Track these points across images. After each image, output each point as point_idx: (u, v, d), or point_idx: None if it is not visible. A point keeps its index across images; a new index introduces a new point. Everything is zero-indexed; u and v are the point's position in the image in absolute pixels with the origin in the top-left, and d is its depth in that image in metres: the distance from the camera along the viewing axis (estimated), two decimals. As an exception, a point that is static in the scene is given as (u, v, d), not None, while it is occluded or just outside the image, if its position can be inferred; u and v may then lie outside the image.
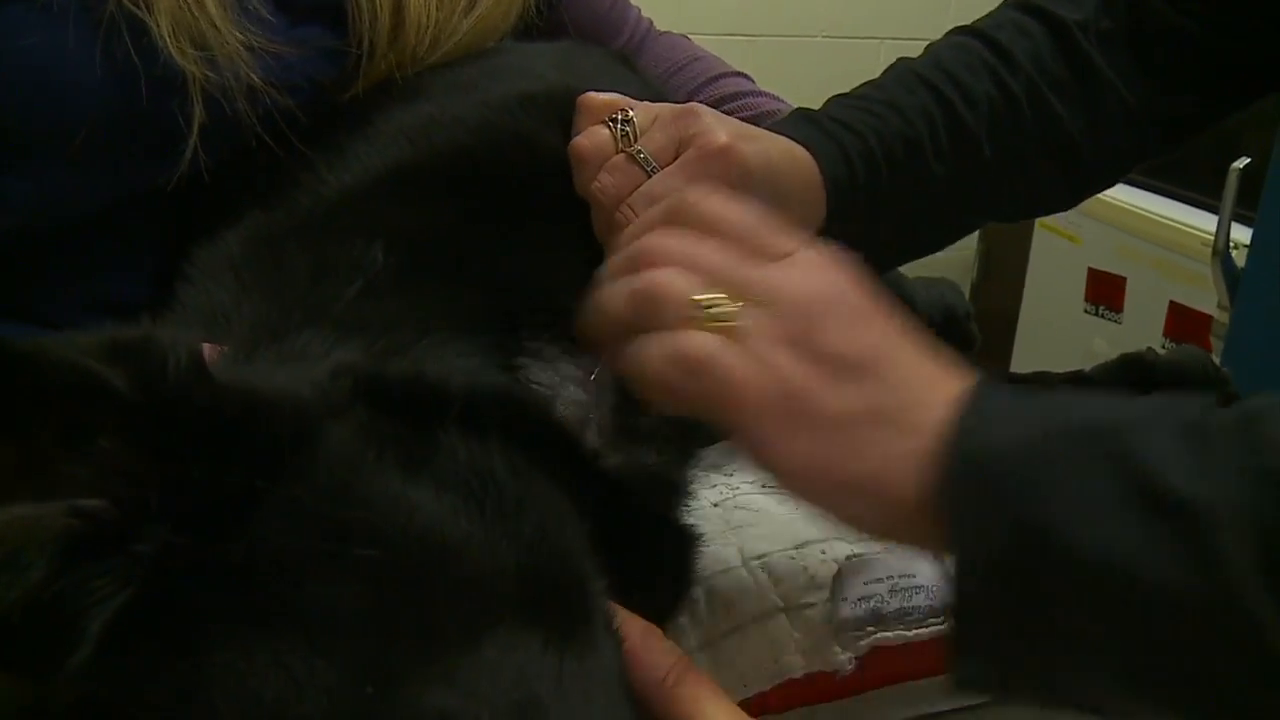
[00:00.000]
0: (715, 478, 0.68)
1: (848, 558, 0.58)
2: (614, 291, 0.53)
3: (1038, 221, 2.34)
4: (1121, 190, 2.15)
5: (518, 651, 0.40)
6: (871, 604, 0.57)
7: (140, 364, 0.38)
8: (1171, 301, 2.07)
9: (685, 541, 0.59)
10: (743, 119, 0.71)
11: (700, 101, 0.95)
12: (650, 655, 0.47)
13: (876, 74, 0.78)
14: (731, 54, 1.04)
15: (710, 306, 0.49)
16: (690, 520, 0.61)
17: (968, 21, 0.81)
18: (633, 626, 0.49)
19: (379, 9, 0.68)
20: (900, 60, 0.79)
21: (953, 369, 0.48)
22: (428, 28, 0.71)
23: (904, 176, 0.71)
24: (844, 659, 0.55)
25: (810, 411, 0.46)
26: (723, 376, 0.47)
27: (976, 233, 2.43)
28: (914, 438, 0.45)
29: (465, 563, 0.42)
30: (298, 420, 0.43)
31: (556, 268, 0.63)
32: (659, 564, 0.54)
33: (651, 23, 1.03)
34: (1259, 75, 0.79)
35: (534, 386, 0.57)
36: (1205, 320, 1.83)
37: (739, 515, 0.63)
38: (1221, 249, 1.52)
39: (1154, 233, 2.08)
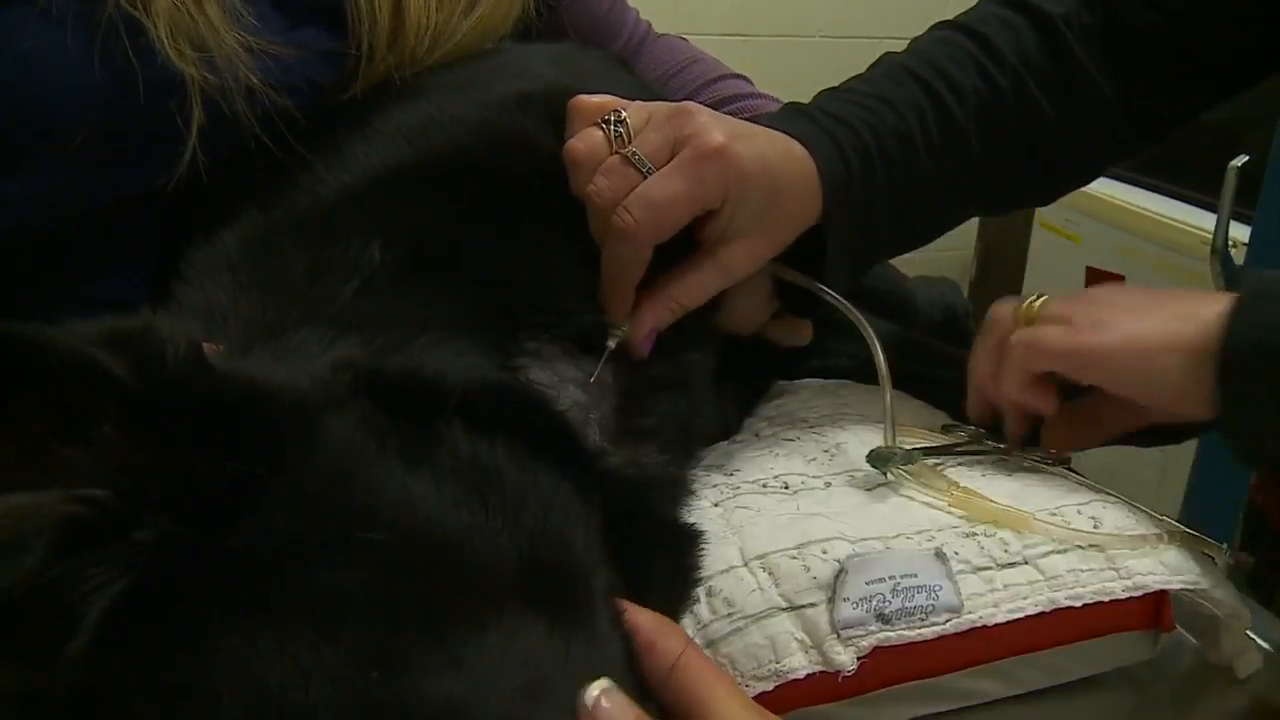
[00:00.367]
0: (716, 477, 0.68)
1: (849, 557, 0.58)
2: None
3: (1037, 220, 2.34)
4: (1120, 189, 2.15)
5: (522, 637, 0.40)
6: (873, 603, 0.56)
7: (140, 352, 0.38)
8: (1171, 299, 2.06)
9: (687, 541, 0.59)
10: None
11: (700, 103, 0.95)
12: (661, 641, 0.47)
13: (874, 74, 0.78)
14: (728, 54, 1.04)
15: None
16: (691, 520, 0.61)
17: (967, 21, 0.81)
18: (642, 615, 0.48)
19: (378, 11, 0.68)
20: (887, 54, 0.79)
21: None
22: (427, 29, 0.71)
23: (897, 170, 0.72)
24: (846, 659, 0.55)
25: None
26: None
27: (975, 232, 2.43)
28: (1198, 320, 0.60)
29: (468, 551, 0.42)
30: (298, 410, 0.43)
31: (555, 268, 0.63)
32: (661, 564, 0.54)
33: (650, 25, 1.03)
34: (1233, 71, 0.79)
35: (533, 385, 0.57)
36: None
37: (740, 515, 0.63)
38: (1220, 247, 1.52)
39: (1153, 231, 2.08)
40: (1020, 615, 0.58)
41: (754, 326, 0.77)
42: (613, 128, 0.63)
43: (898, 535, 0.60)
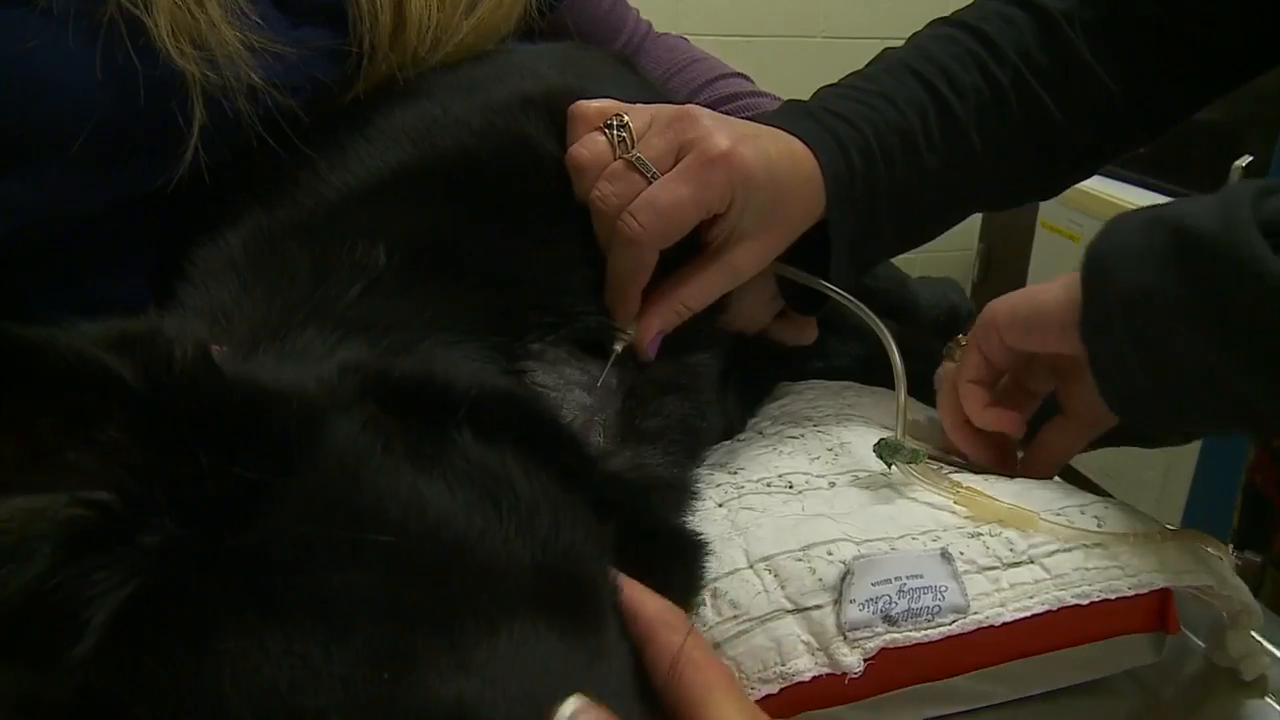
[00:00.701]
0: (720, 476, 0.68)
1: (855, 559, 0.57)
2: None
3: (1039, 220, 2.34)
4: (1123, 189, 2.14)
5: (533, 643, 0.40)
6: (880, 605, 0.56)
7: (147, 355, 0.37)
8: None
9: (691, 546, 0.58)
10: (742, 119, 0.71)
11: (700, 102, 0.95)
12: (663, 633, 0.47)
13: (876, 75, 0.78)
14: (729, 54, 1.04)
15: None
16: (695, 524, 0.61)
17: (969, 21, 0.80)
18: (649, 604, 0.48)
19: (380, 9, 0.68)
20: (886, 50, 0.79)
21: None
22: (429, 28, 0.71)
23: (899, 167, 0.71)
24: (852, 661, 0.55)
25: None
26: None
27: (977, 232, 2.43)
28: None
29: (480, 554, 0.42)
30: (305, 413, 0.42)
31: (560, 270, 0.63)
32: (663, 568, 0.54)
33: (650, 25, 1.03)
34: (1236, 63, 0.79)
35: (538, 389, 0.57)
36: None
37: (744, 516, 0.62)
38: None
39: (1155, 231, 2.07)
40: (1027, 614, 0.58)
41: (759, 326, 0.77)
42: (615, 132, 0.63)
43: (903, 536, 0.60)
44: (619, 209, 0.62)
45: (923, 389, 0.79)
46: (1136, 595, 0.60)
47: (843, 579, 0.57)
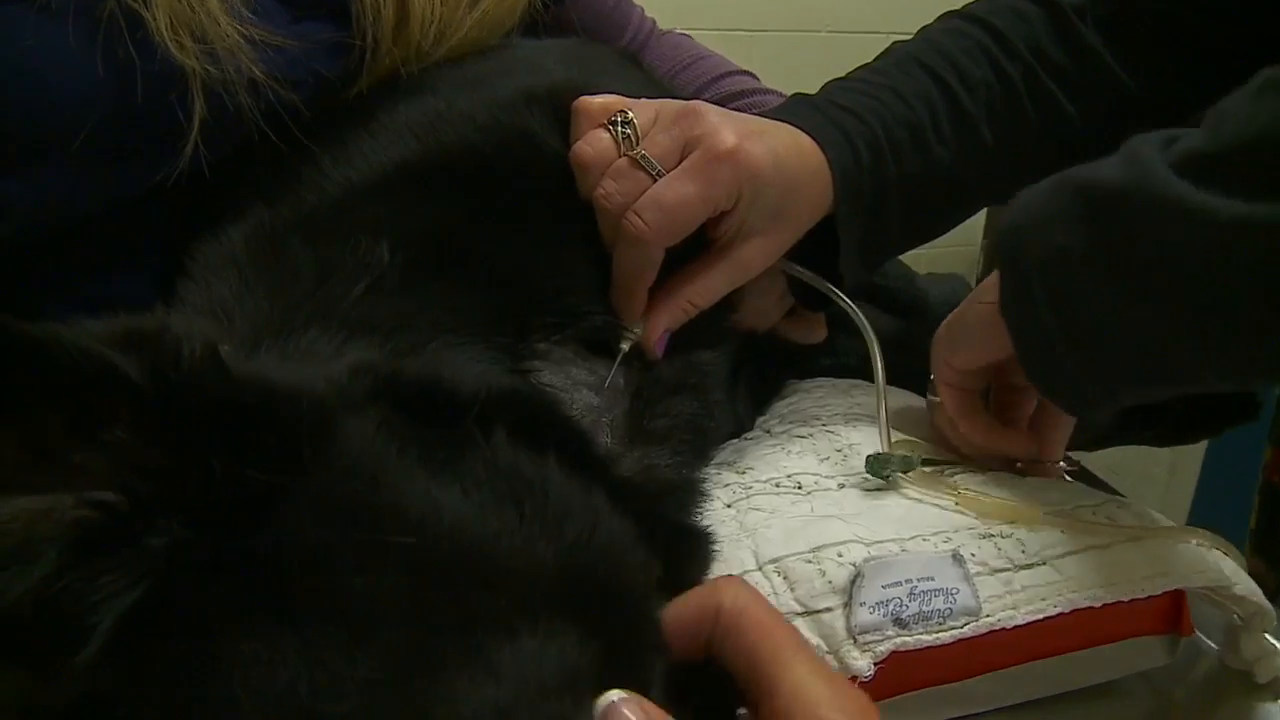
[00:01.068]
0: (728, 475, 0.67)
1: (865, 561, 0.57)
2: None
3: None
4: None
5: (557, 646, 0.39)
6: (890, 608, 0.55)
7: (154, 353, 0.36)
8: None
9: (699, 546, 0.57)
10: (749, 116, 0.70)
11: (707, 99, 0.94)
12: (726, 597, 0.44)
13: (881, 70, 0.77)
14: (734, 50, 1.03)
15: None
16: (704, 523, 0.60)
17: (974, 16, 0.80)
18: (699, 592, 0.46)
19: (382, 3, 0.67)
20: (895, 44, 0.78)
21: None
22: (431, 22, 0.70)
23: (908, 162, 0.71)
24: (862, 665, 0.54)
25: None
26: None
27: (982, 227, 2.41)
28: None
29: (499, 556, 0.41)
30: (316, 412, 0.41)
31: (566, 268, 0.62)
32: (672, 569, 0.53)
33: (655, 22, 1.02)
34: (1250, 55, 0.78)
35: (545, 389, 0.56)
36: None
37: (753, 517, 0.62)
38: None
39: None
40: (1039, 616, 0.58)
41: (768, 324, 0.76)
42: (620, 129, 0.62)
43: (913, 537, 0.59)
44: (624, 207, 0.61)
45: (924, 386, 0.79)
46: (1150, 597, 0.60)
47: (853, 581, 0.56)
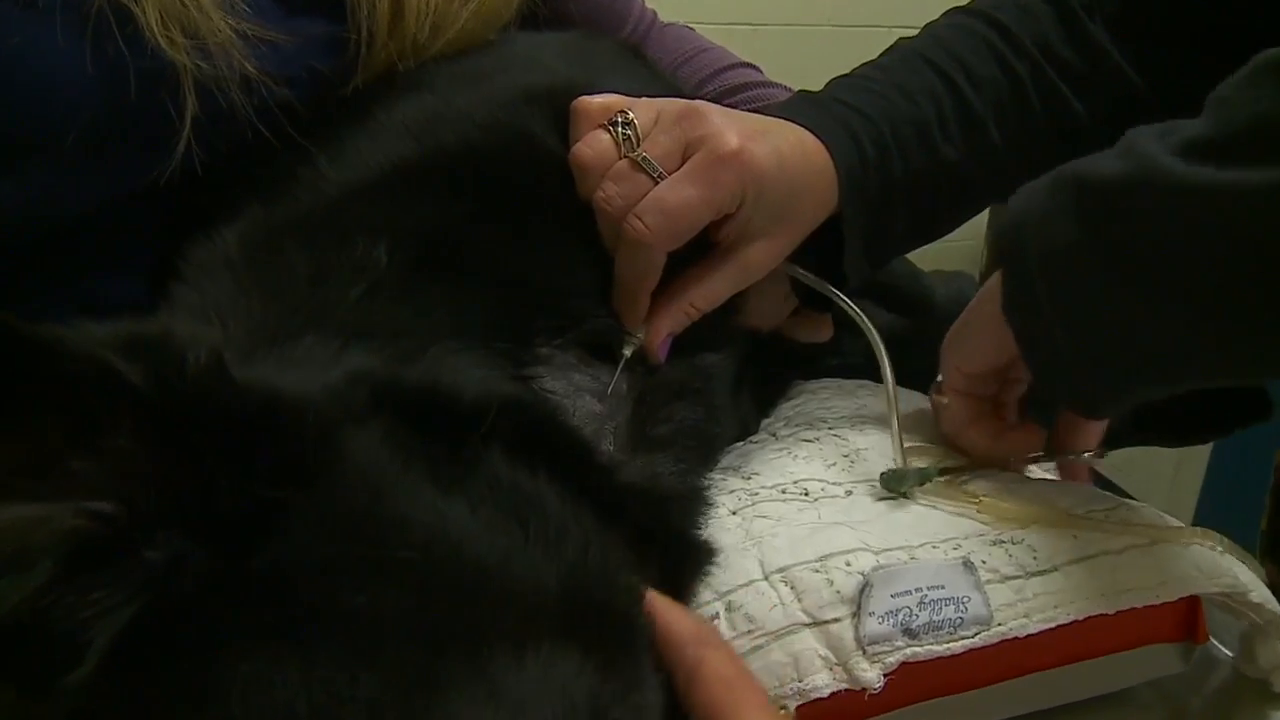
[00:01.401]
0: (733, 481, 0.65)
1: (874, 569, 0.55)
2: None
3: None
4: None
5: (561, 670, 0.38)
6: (900, 617, 0.54)
7: (158, 359, 0.35)
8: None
9: (697, 558, 0.56)
10: (752, 110, 0.69)
11: (709, 92, 0.93)
12: (693, 649, 0.45)
13: (884, 64, 0.76)
14: (735, 43, 1.02)
15: None
16: (707, 534, 0.59)
17: (978, 9, 0.78)
18: (679, 619, 0.47)
19: None
20: (900, 40, 0.77)
21: None
22: (427, 15, 0.69)
23: (915, 161, 0.70)
24: (872, 676, 0.53)
25: None
26: None
27: (985, 221, 2.40)
28: None
29: (506, 576, 0.40)
30: (322, 424, 0.41)
31: (567, 270, 0.61)
32: (675, 578, 0.52)
33: (656, 14, 1.01)
34: (1260, 50, 0.77)
35: (547, 395, 0.55)
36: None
37: (759, 525, 0.60)
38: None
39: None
40: (1052, 625, 0.56)
41: (773, 324, 0.75)
42: (620, 130, 0.60)
43: (923, 544, 0.58)
44: (624, 211, 0.59)
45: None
46: (1164, 604, 0.59)
47: (861, 591, 0.55)
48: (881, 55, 0.77)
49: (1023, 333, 0.60)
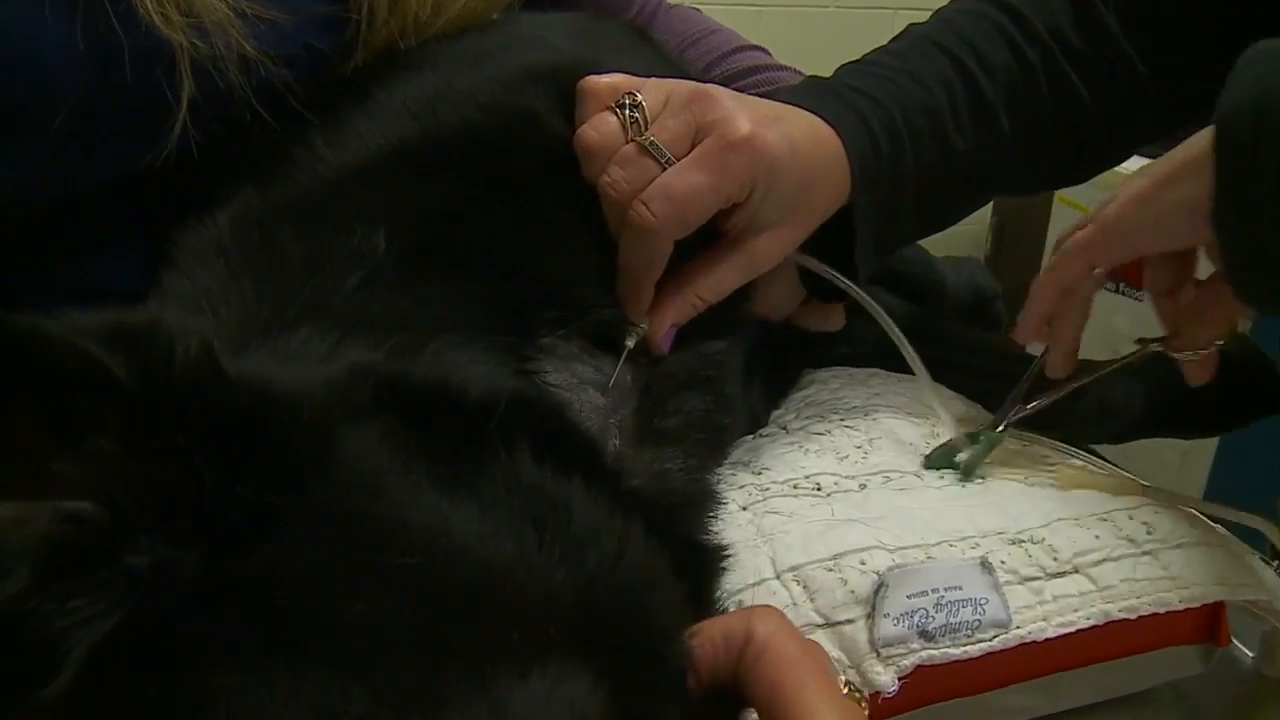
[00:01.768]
0: (743, 476, 0.64)
1: (889, 569, 0.54)
2: None
3: (1056, 195, 2.29)
4: (1140, 164, 2.10)
5: (568, 689, 0.36)
6: (915, 619, 0.52)
7: (145, 352, 0.33)
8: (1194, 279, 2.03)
9: (715, 565, 0.54)
10: (761, 94, 0.67)
11: (717, 75, 0.91)
12: (754, 625, 0.42)
13: (889, 46, 0.74)
14: (739, 24, 1.00)
15: None
16: (719, 534, 0.57)
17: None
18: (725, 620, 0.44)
19: None
20: (911, 25, 0.75)
21: None
22: None
23: (926, 151, 0.68)
24: (886, 680, 0.51)
25: None
26: None
27: (990, 206, 2.39)
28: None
29: (512, 584, 0.38)
30: (317, 423, 0.38)
31: (571, 258, 0.59)
32: (689, 590, 0.50)
33: (661, -5, 0.98)
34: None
35: (551, 389, 0.53)
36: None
37: (770, 521, 0.59)
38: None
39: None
40: (1071, 629, 0.55)
41: (784, 314, 0.73)
42: (628, 112, 0.58)
43: (940, 542, 0.56)
44: (630, 196, 0.57)
45: (950, 376, 0.76)
46: (1187, 609, 0.57)
47: (876, 591, 0.53)
48: (893, 40, 0.75)
49: (1231, 229, 0.56)
